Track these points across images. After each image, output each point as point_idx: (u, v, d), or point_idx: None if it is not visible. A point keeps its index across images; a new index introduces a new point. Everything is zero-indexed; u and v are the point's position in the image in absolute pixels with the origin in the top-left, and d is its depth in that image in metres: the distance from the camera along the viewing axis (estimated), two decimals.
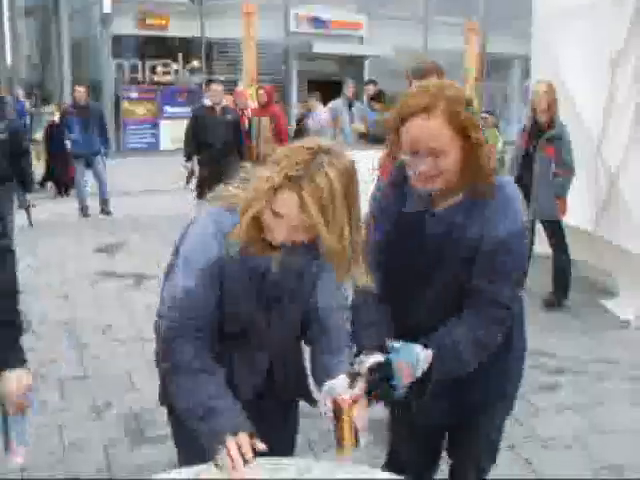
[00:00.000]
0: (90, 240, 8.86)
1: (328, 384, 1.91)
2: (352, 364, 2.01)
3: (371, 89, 10.38)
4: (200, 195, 8.80)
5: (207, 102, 9.50)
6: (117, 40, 21.21)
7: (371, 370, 1.94)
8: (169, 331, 1.93)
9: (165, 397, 2.14)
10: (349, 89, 11.22)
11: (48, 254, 7.38)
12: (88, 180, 10.89)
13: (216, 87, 9.16)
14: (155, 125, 21.24)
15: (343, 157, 1.80)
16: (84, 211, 10.75)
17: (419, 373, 1.96)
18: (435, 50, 23.60)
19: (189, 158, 9.16)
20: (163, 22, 21.23)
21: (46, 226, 9.15)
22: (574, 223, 6.57)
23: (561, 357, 5.15)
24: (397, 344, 1.98)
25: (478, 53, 20.45)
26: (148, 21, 21.06)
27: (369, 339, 2.11)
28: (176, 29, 21.37)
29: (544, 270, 6.49)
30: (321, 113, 11.12)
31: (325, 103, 11.51)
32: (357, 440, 1.86)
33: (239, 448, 1.76)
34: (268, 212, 1.80)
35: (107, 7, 20.36)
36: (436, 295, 2.13)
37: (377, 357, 1.97)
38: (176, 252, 2.01)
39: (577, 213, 6.46)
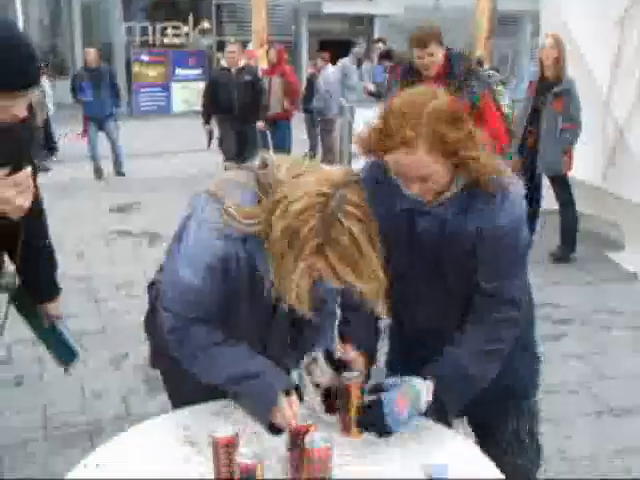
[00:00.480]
0: (104, 200, 8.99)
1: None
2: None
3: (380, 48, 10.35)
4: (226, 156, 8.92)
5: (224, 64, 9.37)
6: (127, 3, 21.17)
7: (364, 407, 1.89)
8: (178, 321, 1.91)
9: (156, 362, 2.28)
10: (359, 48, 11.14)
11: (64, 214, 7.51)
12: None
13: (232, 47, 9.03)
14: (166, 88, 21.25)
15: (354, 195, 1.70)
16: (98, 173, 10.87)
17: (423, 407, 1.89)
18: (446, 7, 23.42)
19: (207, 121, 9.13)
20: None
21: (61, 188, 9.27)
22: (581, 177, 6.62)
23: (567, 308, 5.26)
24: (393, 380, 1.92)
25: (489, 10, 20.26)
26: None
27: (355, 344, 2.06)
28: None
29: (551, 225, 6.58)
30: (329, 72, 11.12)
31: (335, 62, 11.49)
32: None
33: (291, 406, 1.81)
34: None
35: None
36: (438, 296, 2.05)
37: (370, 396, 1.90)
38: (179, 237, 1.93)
39: (584, 167, 6.50)
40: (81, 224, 7.73)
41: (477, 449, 1.94)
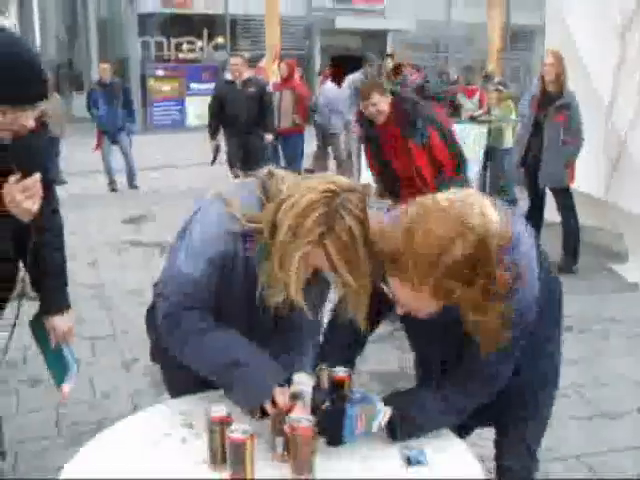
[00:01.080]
0: (117, 212, 9.20)
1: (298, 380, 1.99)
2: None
3: (390, 63, 10.47)
4: (231, 167, 8.90)
5: (228, 76, 9.30)
6: (143, 18, 21.49)
7: (325, 412, 1.90)
8: (172, 307, 1.99)
9: (156, 356, 2.39)
10: (370, 68, 11.01)
11: (78, 224, 7.70)
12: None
13: (234, 60, 8.93)
14: (181, 102, 21.53)
15: (357, 200, 1.81)
16: (112, 185, 11.10)
17: (375, 428, 1.92)
18: (457, 22, 23.64)
19: (213, 136, 9.07)
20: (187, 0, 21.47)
21: (76, 199, 9.48)
22: (584, 189, 6.74)
23: (567, 316, 5.34)
24: (359, 395, 1.94)
25: (500, 24, 20.40)
26: None
27: (334, 358, 2.11)
28: (200, 6, 21.63)
29: (554, 236, 6.69)
30: (328, 87, 11.28)
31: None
32: None
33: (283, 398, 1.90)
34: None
35: None
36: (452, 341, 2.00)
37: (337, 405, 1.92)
38: (182, 235, 2.05)
39: (586, 179, 6.62)
40: (94, 234, 7.94)
41: (464, 446, 2.03)
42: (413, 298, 1.76)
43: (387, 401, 1.96)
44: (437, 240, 1.65)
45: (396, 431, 1.95)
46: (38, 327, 2.69)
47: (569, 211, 6.55)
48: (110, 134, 10.94)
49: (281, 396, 1.91)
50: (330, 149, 11.30)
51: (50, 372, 2.75)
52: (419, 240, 1.66)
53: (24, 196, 2.05)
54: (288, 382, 1.97)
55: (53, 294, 2.64)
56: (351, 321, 1.99)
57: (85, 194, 10.50)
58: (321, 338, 2.31)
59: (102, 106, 10.84)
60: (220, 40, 22.56)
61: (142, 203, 9.81)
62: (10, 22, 39.22)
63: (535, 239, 2.00)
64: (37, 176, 2.07)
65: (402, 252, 1.68)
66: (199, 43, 22.39)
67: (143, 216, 8.96)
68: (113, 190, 11.07)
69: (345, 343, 2.19)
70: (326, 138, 11.10)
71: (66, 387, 2.71)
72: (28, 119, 2.05)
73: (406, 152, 4.90)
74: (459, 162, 4.99)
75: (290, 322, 2.15)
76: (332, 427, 1.88)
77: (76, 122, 17.86)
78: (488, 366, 1.93)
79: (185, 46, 22.26)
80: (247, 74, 8.96)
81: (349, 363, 2.14)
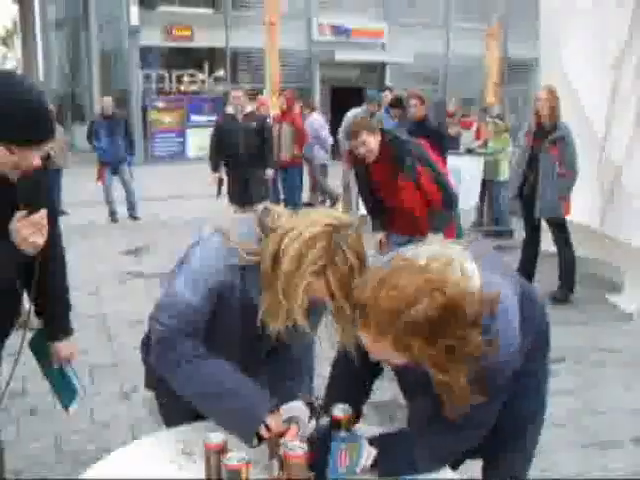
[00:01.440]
0: (119, 242, 9.29)
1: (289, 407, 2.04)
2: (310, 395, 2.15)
3: (388, 96, 10.54)
4: (231, 200, 8.83)
5: (229, 109, 9.30)
6: (144, 51, 21.75)
7: (312, 442, 1.95)
8: (168, 332, 2.05)
9: (151, 384, 2.44)
10: (371, 105, 10.91)
11: (80, 255, 7.77)
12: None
13: (236, 93, 8.89)
14: (182, 133, 21.71)
15: (355, 237, 1.93)
16: (113, 216, 11.19)
17: (358, 469, 1.94)
18: (456, 54, 23.91)
19: (215, 169, 9.06)
20: (189, 33, 21.74)
21: (77, 230, 9.56)
22: (579, 220, 6.82)
23: (563, 347, 5.40)
24: (344, 434, 1.98)
25: (498, 57, 20.65)
26: (174, 32, 21.57)
27: (334, 396, 2.16)
28: (201, 39, 21.88)
29: (551, 267, 6.77)
30: (313, 120, 11.42)
31: (347, 109, 11.64)
32: None
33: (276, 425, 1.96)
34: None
35: (135, 19, 20.89)
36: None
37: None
38: (180, 266, 2.14)
39: (582, 210, 6.70)
40: (96, 265, 8.01)
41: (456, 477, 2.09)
42: (376, 348, 1.79)
43: (373, 442, 1.99)
44: (402, 296, 1.67)
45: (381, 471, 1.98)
46: (39, 349, 2.79)
47: (565, 242, 6.63)
48: (111, 165, 11.06)
49: (273, 422, 1.98)
50: (319, 180, 11.49)
51: (55, 393, 2.85)
52: (384, 294, 1.69)
53: (31, 231, 2.14)
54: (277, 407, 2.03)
55: (57, 320, 2.75)
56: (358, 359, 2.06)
57: (86, 225, 10.58)
58: (314, 366, 2.39)
59: (103, 138, 10.99)
60: (221, 73, 22.81)
61: (143, 234, 9.90)
62: (14, 54, 39.64)
63: (523, 286, 2.06)
64: (44, 212, 2.17)
65: (367, 302, 1.72)
66: (200, 75, 22.63)
67: (144, 247, 9.04)
68: (114, 221, 11.16)
69: (351, 381, 2.22)
70: (313, 169, 11.23)
71: (72, 409, 2.84)
72: (35, 158, 2.15)
73: (397, 189, 5.00)
74: (447, 198, 5.08)
75: (283, 351, 2.23)
76: (315, 462, 1.91)
77: (77, 153, 18.02)
78: (468, 418, 1.92)
79: (186, 78, 22.50)
80: (249, 107, 9.00)
81: (354, 401, 2.16)
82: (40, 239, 2.17)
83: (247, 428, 2.00)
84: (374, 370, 2.25)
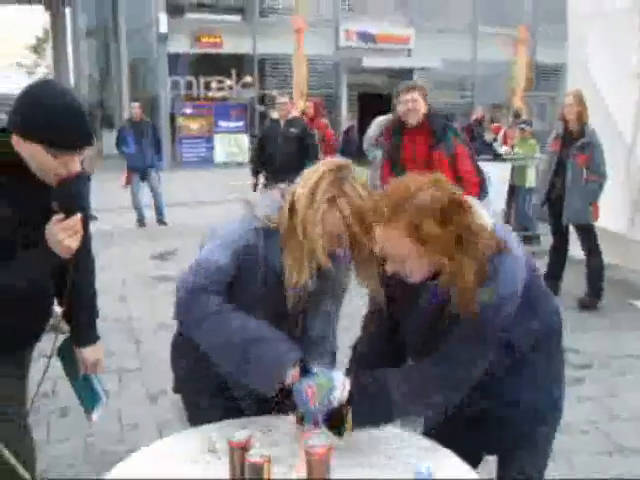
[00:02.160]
0: (146, 247, 9.38)
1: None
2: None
3: None
4: None
5: (274, 115, 9.20)
6: (173, 58, 21.95)
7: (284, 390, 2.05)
8: (196, 286, 2.13)
9: (177, 387, 2.52)
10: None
11: (108, 260, 7.86)
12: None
13: (283, 99, 8.76)
14: (209, 139, 21.87)
15: (359, 175, 2.15)
16: (140, 221, 11.31)
17: (335, 402, 2.00)
18: (483, 60, 23.82)
19: (255, 174, 8.97)
20: (217, 40, 21.91)
21: (105, 235, 9.67)
22: (607, 226, 6.78)
23: (588, 353, 5.39)
24: (318, 369, 2.05)
25: (527, 62, 20.57)
26: (202, 39, 21.75)
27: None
28: (229, 46, 22.03)
29: (578, 273, 6.73)
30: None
31: (373, 116, 11.62)
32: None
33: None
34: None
35: (163, 27, 21.10)
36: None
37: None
38: (211, 235, 2.30)
39: (610, 216, 6.67)
40: (123, 269, 8.10)
41: (465, 466, 2.07)
42: (392, 243, 1.90)
43: (352, 377, 2.06)
44: (411, 186, 1.89)
45: (356, 407, 2.02)
46: (66, 355, 2.81)
47: (593, 248, 6.59)
48: (139, 171, 11.19)
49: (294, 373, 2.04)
50: None
51: (79, 399, 2.87)
52: (394, 187, 1.93)
53: (66, 235, 2.18)
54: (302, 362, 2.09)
55: (85, 327, 2.77)
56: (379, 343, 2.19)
57: (114, 230, 10.70)
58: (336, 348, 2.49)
59: (132, 144, 11.13)
60: (248, 79, 22.95)
61: (170, 239, 9.98)
62: (45, 62, 40.18)
63: (537, 272, 2.15)
64: (78, 216, 2.21)
65: (380, 200, 1.93)
66: (227, 82, 22.79)
67: (171, 252, 9.12)
68: (142, 226, 11.28)
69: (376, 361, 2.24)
70: None
71: (95, 416, 2.84)
72: (75, 164, 2.21)
73: (430, 164, 5.00)
74: (483, 182, 5.09)
75: (306, 331, 2.31)
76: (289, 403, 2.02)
77: (106, 159, 18.22)
78: (457, 351, 1.99)
79: (214, 85, 22.68)
80: (294, 113, 8.93)
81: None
82: (75, 243, 2.21)
83: (273, 375, 2.03)
84: (399, 351, 2.26)
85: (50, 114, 2.13)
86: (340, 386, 2.01)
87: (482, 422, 2.24)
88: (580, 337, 5.66)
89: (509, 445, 2.27)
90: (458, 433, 2.19)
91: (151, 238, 10.27)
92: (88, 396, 2.85)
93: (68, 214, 2.19)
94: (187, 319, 2.19)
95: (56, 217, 2.19)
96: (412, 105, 5.06)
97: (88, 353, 2.76)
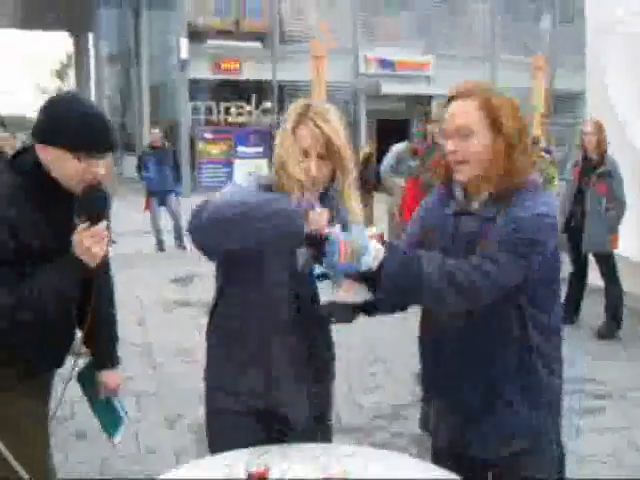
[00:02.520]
0: (165, 271, 9.43)
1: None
2: None
3: (435, 128, 10.48)
4: None
5: None
6: (193, 83, 22.17)
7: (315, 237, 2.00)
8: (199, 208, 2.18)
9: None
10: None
11: (126, 284, 7.90)
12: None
13: None
14: (229, 164, 22.01)
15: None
16: (160, 245, 11.39)
17: (364, 265, 1.95)
18: (502, 88, 23.78)
19: None
20: (237, 66, 22.14)
21: (125, 259, 9.73)
22: (627, 254, 6.75)
23: (606, 383, 5.35)
24: (357, 230, 1.99)
25: (545, 89, 20.57)
26: (223, 65, 21.99)
27: None
28: (249, 72, 22.25)
29: (597, 301, 6.70)
30: None
31: (391, 143, 11.66)
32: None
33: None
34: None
35: (184, 53, 21.35)
36: None
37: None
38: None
39: (629, 244, 6.64)
40: (143, 293, 8.14)
41: None
42: (464, 113, 2.12)
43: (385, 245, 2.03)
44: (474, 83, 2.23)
45: (379, 281, 1.99)
46: (87, 380, 2.84)
47: (612, 276, 6.56)
48: (159, 195, 11.29)
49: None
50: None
51: (100, 422, 2.89)
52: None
53: (93, 241, 2.24)
54: None
55: (106, 350, 2.80)
56: None
57: (134, 254, 10.77)
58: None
59: (152, 169, 11.24)
60: (268, 105, 23.11)
61: (189, 263, 9.97)
62: (68, 86, 40.70)
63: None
64: (104, 223, 2.28)
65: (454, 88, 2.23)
66: (247, 107, 22.96)
67: (191, 276, 9.16)
68: (161, 250, 11.36)
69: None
70: None
71: (117, 439, 2.88)
72: (99, 167, 2.30)
73: None
74: None
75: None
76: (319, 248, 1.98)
77: (126, 183, 18.38)
78: (493, 253, 2.05)
79: (233, 110, 22.85)
80: None
81: None
82: (101, 250, 2.27)
83: (293, 219, 2.00)
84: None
85: (75, 119, 2.24)
86: (373, 252, 1.96)
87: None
88: (598, 366, 5.63)
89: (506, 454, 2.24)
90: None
91: (170, 262, 10.32)
92: (109, 419, 2.88)
93: (93, 222, 2.25)
94: (198, 224, 2.14)
95: (82, 226, 2.25)
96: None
97: (109, 377, 2.79)
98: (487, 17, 25.40)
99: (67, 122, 2.24)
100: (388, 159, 10.76)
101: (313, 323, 2.32)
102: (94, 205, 2.30)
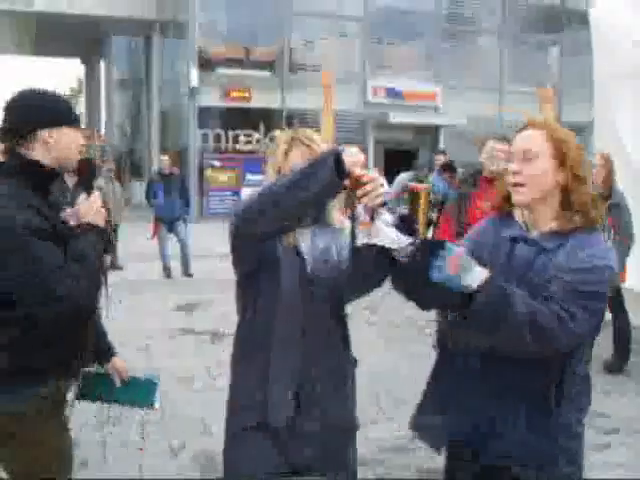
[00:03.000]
0: (171, 298, 9.42)
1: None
2: None
3: (441, 159, 10.57)
4: None
5: None
6: (203, 111, 22.32)
7: (426, 242, 2.08)
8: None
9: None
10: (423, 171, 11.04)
11: (131, 310, 7.93)
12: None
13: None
14: (237, 192, 22.07)
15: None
16: (167, 272, 11.38)
17: (465, 282, 2.02)
18: (508, 117, 23.93)
19: None
20: (246, 94, 22.29)
21: (131, 284, 9.76)
22: (634, 287, 6.71)
23: (617, 418, 5.30)
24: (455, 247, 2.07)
25: (553, 120, 20.63)
26: (232, 93, 22.15)
27: None
28: (258, 101, 22.39)
29: (605, 334, 6.63)
30: None
31: (399, 172, 11.66)
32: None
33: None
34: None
35: (194, 81, 21.52)
36: None
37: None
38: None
39: (638, 277, 6.60)
40: (147, 320, 8.13)
41: None
42: (531, 139, 2.22)
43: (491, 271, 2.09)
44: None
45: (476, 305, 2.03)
46: (89, 391, 2.91)
47: (620, 310, 6.52)
48: (167, 222, 11.32)
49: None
50: None
51: (134, 405, 3.02)
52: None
53: (89, 210, 2.51)
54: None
55: (105, 341, 2.92)
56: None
57: (140, 280, 10.78)
58: None
59: (160, 195, 11.27)
60: (276, 133, 23.20)
61: (196, 291, 10.03)
62: (79, 112, 41.07)
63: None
64: (96, 194, 2.58)
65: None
66: (256, 135, 23.08)
67: (196, 304, 9.16)
68: (168, 277, 11.35)
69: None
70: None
71: (157, 404, 3.01)
72: (81, 139, 2.58)
73: None
74: None
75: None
76: (426, 254, 2.02)
77: (134, 209, 18.45)
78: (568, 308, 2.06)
79: (242, 138, 22.97)
80: None
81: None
82: (100, 218, 2.53)
83: (328, 169, 2.05)
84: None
85: (53, 99, 2.51)
86: (478, 273, 2.05)
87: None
88: (606, 401, 5.58)
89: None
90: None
91: (176, 289, 10.32)
92: (141, 394, 2.96)
93: (90, 190, 2.59)
94: (242, 215, 2.36)
95: (83, 196, 2.56)
96: (500, 154, 5.10)
97: (117, 362, 2.92)
98: (495, 48, 25.56)
99: (52, 104, 2.49)
100: (392, 189, 10.86)
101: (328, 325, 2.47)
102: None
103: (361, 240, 2.12)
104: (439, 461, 2.58)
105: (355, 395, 2.61)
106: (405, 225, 2.12)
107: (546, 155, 2.19)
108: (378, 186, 2.06)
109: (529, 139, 2.23)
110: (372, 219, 2.08)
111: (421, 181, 10.04)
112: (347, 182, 2.07)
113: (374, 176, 2.07)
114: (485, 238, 2.36)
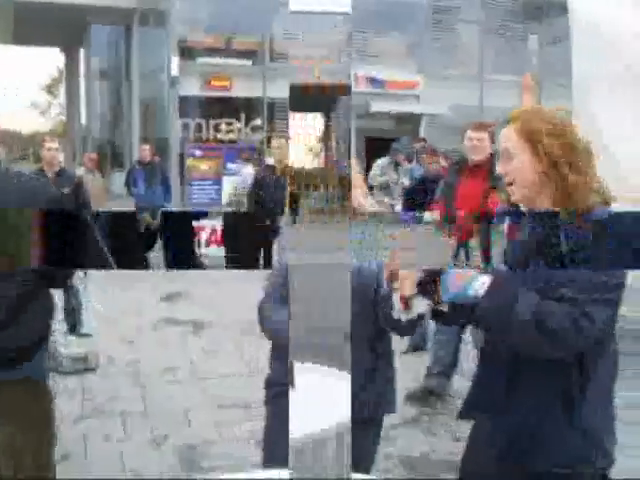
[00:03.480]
0: (153, 289, 9.36)
1: None
2: None
3: (418, 146, 10.66)
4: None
5: (269, 161, 8.72)
6: (183, 100, 22.17)
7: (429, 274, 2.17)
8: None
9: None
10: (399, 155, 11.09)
11: (115, 302, 7.89)
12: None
13: (276, 143, 8.40)
14: (218, 181, 21.99)
15: None
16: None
17: (471, 293, 2.08)
18: (490, 107, 23.99)
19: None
20: (227, 84, 22.20)
21: (113, 276, 9.67)
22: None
23: None
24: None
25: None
26: (213, 82, 22.05)
27: None
28: (239, 90, 22.29)
29: None
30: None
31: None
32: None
33: None
34: None
35: (175, 70, 21.39)
36: None
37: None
38: None
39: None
40: (130, 311, 8.09)
41: None
42: (506, 139, 2.22)
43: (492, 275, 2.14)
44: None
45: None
46: None
47: None
48: (147, 211, 11.23)
49: None
50: None
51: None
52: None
53: None
54: None
55: None
56: None
57: (122, 271, 10.70)
58: None
59: (141, 185, 11.21)
60: (257, 122, 23.15)
61: (178, 281, 9.97)
62: (58, 101, 40.74)
63: None
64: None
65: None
66: (237, 125, 22.96)
67: (179, 294, 9.12)
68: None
69: None
70: None
71: None
72: None
73: (479, 200, 4.97)
74: None
75: None
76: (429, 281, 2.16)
77: (115, 199, 18.31)
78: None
79: (223, 127, 22.85)
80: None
81: None
82: None
83: None
84: None
85: None
86: (481, 281, 2.10)
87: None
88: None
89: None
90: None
91: (159, 280, 10.24)
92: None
93: None
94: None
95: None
96: (477, 143, 5.09)
97: None
98: (476, 37, 25.58)
99: None
100: (371, 174, 10.94)
101: None
102: None
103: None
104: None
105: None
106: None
107: (520, 150, 2.20)
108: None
109: (505, 137, 2.25)
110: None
111: (397, 165, 10.12)
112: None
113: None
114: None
